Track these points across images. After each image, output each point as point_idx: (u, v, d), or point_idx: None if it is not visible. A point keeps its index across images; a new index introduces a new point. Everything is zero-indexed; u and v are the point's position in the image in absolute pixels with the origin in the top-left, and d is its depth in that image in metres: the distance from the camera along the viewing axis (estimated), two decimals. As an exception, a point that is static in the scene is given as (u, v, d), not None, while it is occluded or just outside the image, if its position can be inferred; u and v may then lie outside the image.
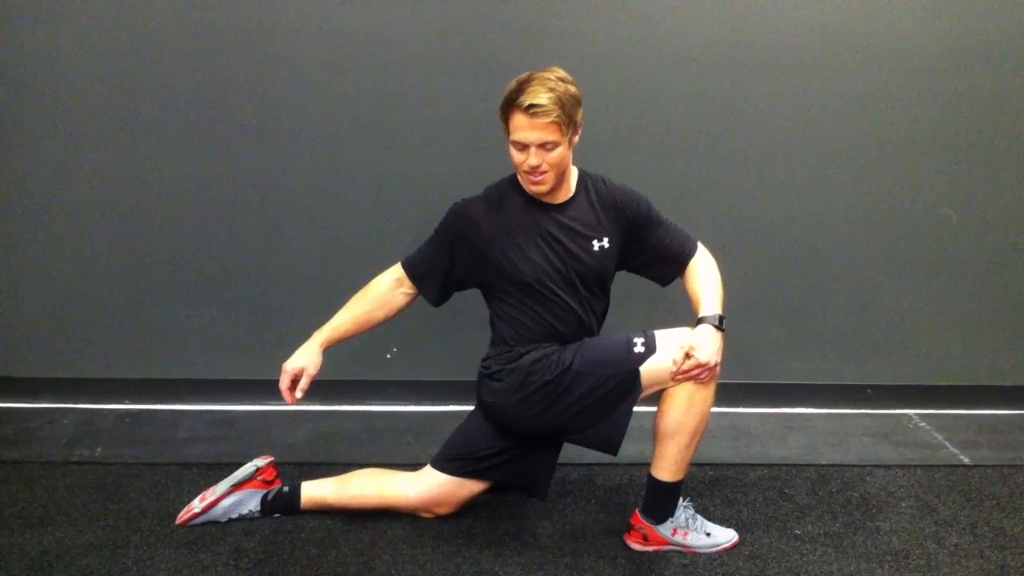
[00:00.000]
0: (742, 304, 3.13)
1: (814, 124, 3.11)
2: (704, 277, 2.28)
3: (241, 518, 2.34)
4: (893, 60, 3.07)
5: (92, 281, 3.10)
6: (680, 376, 2.11)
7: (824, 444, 2.98)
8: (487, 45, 2.97)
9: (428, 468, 2.36)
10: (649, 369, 2.13)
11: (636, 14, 2.99)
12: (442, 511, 2.37)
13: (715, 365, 2.11)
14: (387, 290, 2.29)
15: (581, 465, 2.69)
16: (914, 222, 3.19)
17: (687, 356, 2.09)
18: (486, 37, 2.97)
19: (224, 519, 2.32)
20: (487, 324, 2.33)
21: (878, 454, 2.90)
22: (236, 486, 2.35)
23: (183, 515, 2.31)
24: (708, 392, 2.14)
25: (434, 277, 2.27)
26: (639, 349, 2.14)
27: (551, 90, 2.03)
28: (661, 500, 2.24)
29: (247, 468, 2.39)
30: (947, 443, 3.01)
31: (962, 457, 2.89)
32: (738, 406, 3.25)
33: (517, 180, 2.24)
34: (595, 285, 2.26)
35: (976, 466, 2.81)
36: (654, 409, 2.20)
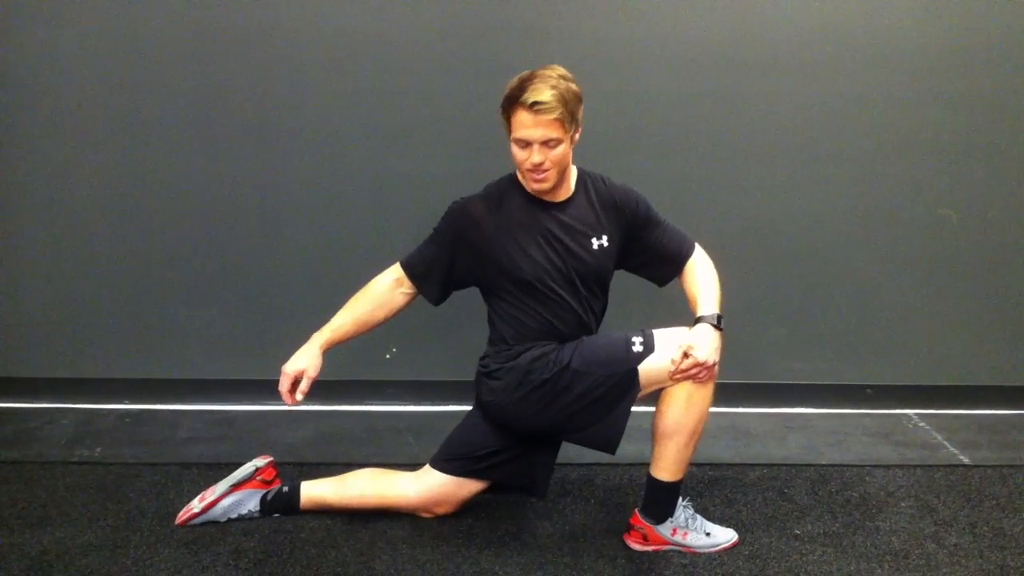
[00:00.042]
0: (742, 304, 3.14)
1: (814, 124, 3.11)
2: (702, 277, 2.28)
3: (240, 518, 2.34)
4: (893, 60, 3.07)
5: (92, 281, 3.10)
6: (679, 375, 2.11)
7: (824, 444, 2.98)
8: (487, 45, 2.97)
9: (428, 468, 2.36)
10: (648, 368, 2.13)
11: (636, 14, 2.99)
12: (442, 511, 2.37)
13: (714, 364, 2.11)
14: (387, 290, 2.28)
15: (581, 465, 2.69)
16: (914, 222, 3.19)
17: (685, 355, 2.09)
18: (486, 37, 2.97)
19: (223, 519, 2.32)
20: (486, 323, 2.33)
21: (878, 454, 2.90)
22: (235, 486, 2.35)
23: (183, 515, 2.31)
24: (707, 391, 2.14)
25: (434, 276, 2.26)
26: (638, 348, 2.14)
27: (554, 87, 2.03)
28: (660, 500, 2.24)
29: (246, 468, 2.39)
30: (947, 443, 3.01)
31: (962, 457, 2.89)
32: (738, 406, 3.25)
33: (517, 178, 2.24)
34: (594, 284, 2.26)
35: (976, 466, 2.81)
36: (653, 409, 2.20)
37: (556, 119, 2.04)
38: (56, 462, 2.67)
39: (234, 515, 2.33)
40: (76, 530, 2.27)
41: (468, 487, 2.34)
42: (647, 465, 2.25)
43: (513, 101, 2.06)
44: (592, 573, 2.16)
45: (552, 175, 2.13)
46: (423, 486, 2.35)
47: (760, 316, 3.23)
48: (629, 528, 2.29)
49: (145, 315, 3.13)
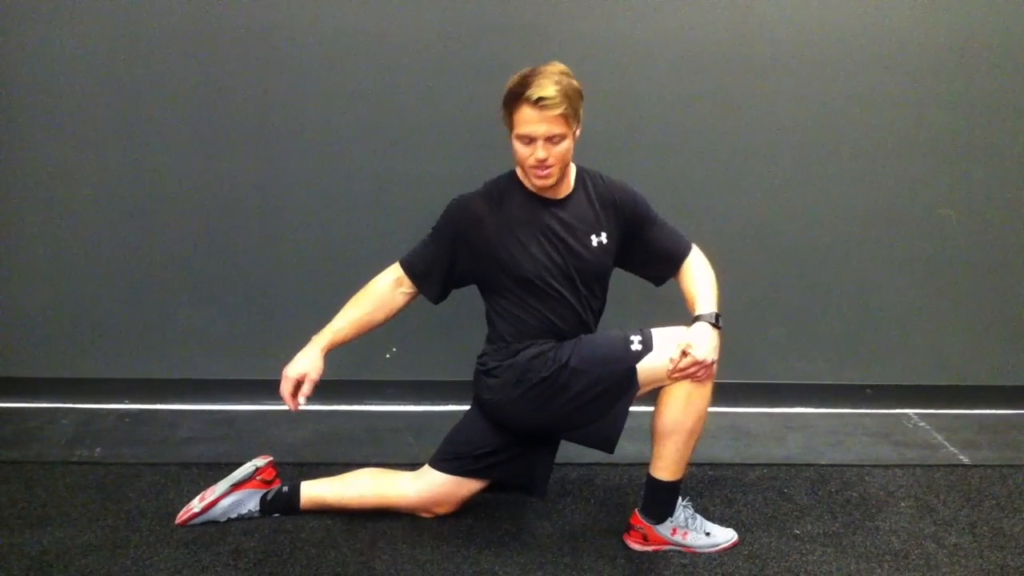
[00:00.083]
0: (742, 304, 3.14)
1: (814, 124, 3.11)
2: (699, 276, 2.29)
3: (240, 518, 2.34)
4: (893, 60, 3.07)
5: (92, 281, 3.10)
6: (677, 374, 2.11)
7: (824, 444, 2.98)
8: (487, 45, 2.97)
9: (427, 468, 2.36)
10: (646, 367, 2.13)
11: (636, 14, 2.99)
12: (441, 511, 2.37)
13: (712, 363, 2.11)
14: (387, 291, 2.28)
15: (580, 465, 2.69)
16: (914, 222, 3.19)
17: (684, 354, 2.09)
18: (486, 37, 2.97)
19: (223, 519, 2.32)
20: (485, 323, 2.33)
21: (878, 454, 2.90)
22: (235, 486, 2.35)
23: (182, 515, 2.31)
24: (706, 390, 2.14)
25: (435, 275, 2.26)
26: (636, 347, 2.14)
27: (557, 83, 2.04)
28: (660, 500, 2.24)
29: (246, 468, 2.39)
30: (946, 443, 3.01)
31: (961, 457, 2.89)
32: (738, 406, 3.25)
33: (516, 176, 2.24)
34: (593, 281, 2.26)
35: (975, 466, 2.81)
36: (652, 409, 2.20)
37: (560, 115, 2.05)
38: (56, 462, 2.66)
39: (234, 515, 2.33)
40: (76, 530, 2.27)
41: (468, 486, 2.34)
42: (647, 465, 2.25)
43: (516, 97, 2.06)
44: (592, 573, 2.16)
45: (555, 171, 2.13)
46: (423, 486, 2.35)
47: (760, 316, 3.23)
48: (629, 528, 2.29)
49: (145, 315, 3.13)
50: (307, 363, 2.21)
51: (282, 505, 2.36)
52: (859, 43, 3.05)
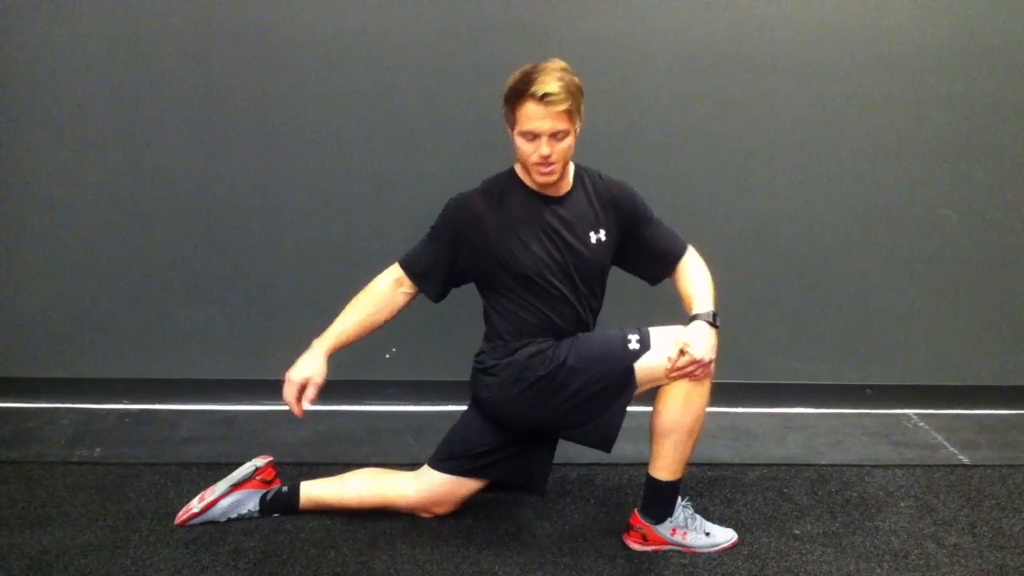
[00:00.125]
0: (742, 304, 3.15)
1: (814, 124, 3.11)
2: (695, 276, 2.29)
3: (240, 518, 2.34)
4: (893, 60, 3.07)
5: (92, 281, 3.11)
6: (675, 373, 2.11)
7: (823, 444, 2.98)
8: (487, 45, 2.97)
9: (426, 468, 2.36)
10: (644, 366, 2.13)
11: (636, 14, 2.99)
12: (441, 510, 2.36)
13: (710, 361, 2.11)
14: (387, 292, 2.27)
15: (580, 465, 2.69)
16: (914, 222, 3.19)
17: (682, 353, 2.09)
18: (486, 37, 2.97)
19: (223, 519, 2.32)
20: (483, 321, 2.33)
21: (877, 454, 2.90)
22: (235, 486, 2.35)
23: (182, 515, 2.31)
24: (704, 389, 2.14)
25: (435, 274, 2.25)
26: (634, 346, 2.14)
27: (560, 79, 2.05)
28: (660, 499, 2.24)
29: (246, 468, 2.39)
30: (946, 443, 3.01)
31: (961, 457, 2.89)
32: (737, 406, 3.25)
33: (516, 174, 2.24)
34: (592, 279, 2.27)
35: (975, 466, 2.81)
36: (651, 409, 2.20)
37: (565, 111, 2.06)
38: (56, 462, 2.67)
39: (234, 515, 2.33)
40: (75, 530, 2.27)
41: (467, 486, 2.34)
42: (646, 465, 2.24)
43: (520, 93, 2.06)
44: (591, 573, 2.16)
45: (558, 168, 2.14)
46: (422, 486, 2.35)
47: (760, 316, 3.23)
48: (628, 528, 2.29)
49: (145, 315, 3.13)
50: (310, 367, 2.19)
51: (282, 505, 2.36)
52: (859, 43, 3.05)
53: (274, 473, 2.43)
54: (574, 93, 2.07)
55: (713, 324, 2.16)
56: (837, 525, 2.41)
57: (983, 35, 3.07)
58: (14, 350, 3.14)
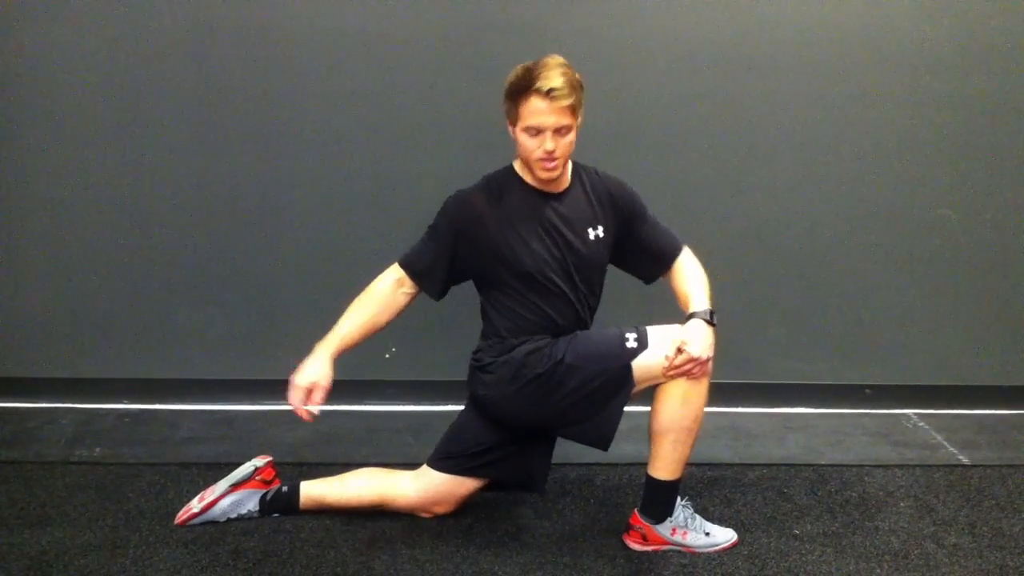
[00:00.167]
0: (742, 304, 3.15)
1: (814, 124, 3.11)
2: (691, 275, 2.30)
3: (240, 518, 2.34)
4: (893, 60, 3.07)
5: (92, 281, 3.11)
6: (673, 371, 2.11)
7: (823, 444, 2.98)
8: (487, 45, 2.97)
9: (425, 467, 2.36)
10: (641, 364, 2.13)
11: (636, 14, 2.99)
12: (440, 510, 2.37)
13: (708, 359, 2.11)
14: (388, 292, 2.25)
15: (580, 465, 2.69)
16: (914, 222, 3.19)
17: (679, 351, 2.09)
18: (486, 37, 2.97)
19: (223, 519, 2.32)
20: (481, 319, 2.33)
21: (877, 454, 2.90)
22: (235, 486, 2.35)
23: (182, 515, 2.31)
24: (702, 388, 2.15)
25: (436, 273, 2.24)
26: (631, 344, 2.14)
27: (564, 75, 2.06)
28: (659, 499, 2.24)
29: (246, 468, 2.39)
30: (946, 443, 3.01)
31: (961, 457, 2.89)
32: (737, 406, 3.25)
33: (514, 170, 2.25)
34: (591, 276, 2.27)
35: (975, 466, 2.81)
36: (650, 408, 2.20)
37: (569, 106, 2.07)
38: (55, 462, 2.67)
39: (233, 515, 2.33)
40: (75, 530, 2.27)
41: (466, 485, 2.34)
42: (646, 465, 2.24)
43: (525, 89, 2.06)
44: (591, 573, 2.16)
45: (561, 164, 2.15)
46: (421, 485, 2.35)
47: (760, 316, 3.23)
48: (628, 528, 2.29)
49: (145, 315, 3.13)
50: (316, 371, 2.17)
51: (281, 505, 2.36)
52: (859, 43, 3.05)
53: (274, 473, 2.43)
54: (576, 89, 2.08)
55: (710, 322, 2.16)
56: (837, 525, 2.41)
57: (983, 35, 3.07)
58: (14, 350, 3.14)
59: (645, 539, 2.26)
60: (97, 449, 2.78)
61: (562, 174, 2.21)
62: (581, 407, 2.17)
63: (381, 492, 2.36)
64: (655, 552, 2.25)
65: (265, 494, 2.37)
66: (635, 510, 2.29)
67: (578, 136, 2.16)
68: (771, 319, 3.24)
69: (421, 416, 3.13)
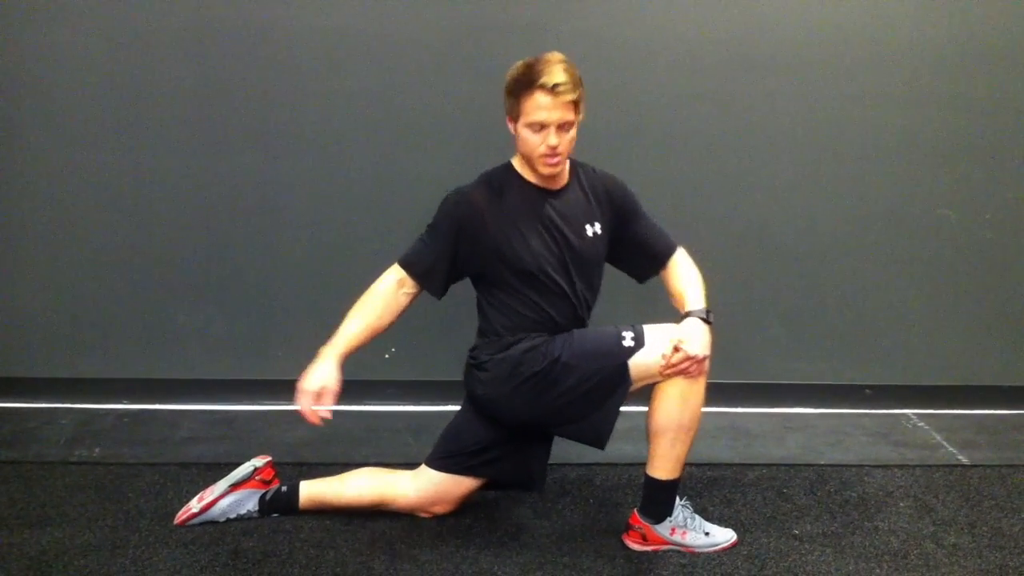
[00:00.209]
0: (742, 304, 3.15)
1: (814, 124, 3.11)
2: (686, 275, 2.30)
3: (239, 518, 2.33)
4: (893, 60, 3.07)
5: (92, 281, 3.11)
6: (670, 370, 2.11)
7: (823, 444, 2.98)
8: (487, 45, 2.97)
9: (423, 467, 2.36)
10: (638, 363, 2.13)
11: (636, 14, 3.00)
12: (440, 510, 2.36)
13: (704, 358, 2.11)
14: (391, 294, 2.24)
15: (580, 465, 2.69)
16: (913, 222, 3.19)
17: (676, 349, 2.09)
18: (486, 37, 2.97)
19: (222, 519, 2.32)
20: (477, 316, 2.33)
21: (877, 454, 2.90)
22: (234, 486, 2.35)
23: (181, 515, 2.31)
24: (699, 387, 2.14)
25: (438, 272, 2.23)
26: (628, 343, 2.14)
27: (566, 71, 2.07)
28: (658, 499, 2.24)
29: (245, 468, 2.39)
30: (946, 443, 3.01)
31: (961, 457, 2.89)
32: (737, 406, 3.25)
33: (513, 168, 2.25)
34: (590, 273, 2.28)
35: (975, 466, 2.81)
36: (647, 409, 2.20)
37: (572, 101, 2.08)
38: (55, 462, 2.67)
39: (233, 515, 2.33)
40: (75, 530, 2.27)
41: (464, 484, 2.34)
42: (645, 465, 2.24)
43: (529, 84, 2.07)
44: (591, 573, 2.15)
45: (563, 159, 2.16)
46: (420, 485, 2.35)
47: (760, 316, 3.23)
48: (628, 528, 2.29)
49: (145, 315, 3.14)
50: (324, 375, 2.14)
51: (281, 505, 2.36)
52: (859, 43, 3.05)
53: (273, 473, 2.43)
54: (579, 84, 2.10)
55: (707, 321, 2.16)
56: (836, 525, 2.41)
57: (983, 35, 3.07)
58: (14, 350, 3.14)
59: (645, 539, 2.26)
60: (97, 449, 2.78)
61: (562, 171, 2.21)
62: (578, 405, 2.17)
63: (381, 492, 2.36)
64: (655, 552, 2.25)
65: (264, 494, 2.37)
66: (634, 510, 2.28)
67: (579, 136, 2.17)
68: (771, 319, 3.25)
69: (421, 416, 3.13)
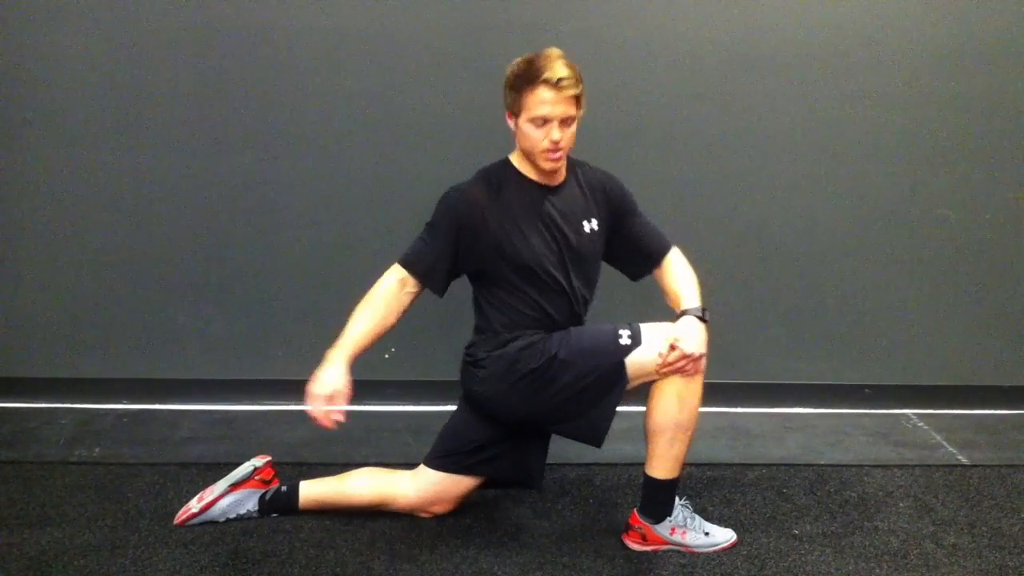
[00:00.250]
0: (742, 304, 3.15)
1: (814, 124, 3.11)
2: (681, 273, 2.31)
3: (239, 518, 2.33)
4: (893, 60, 3.07)
5: (92, 281, 3.11)
6: (666, 368, 2.11)
7: (822, 444, 2.98)
8: (487, 45, 2.97)
9: (422, 467, 2.36)
10: (635, 361, 2.13)
11: (636, 14, 3.00)
12: (439, 509, 2.36)
13: (701, 356, 2.11)
14: (394, 294, 2.22)
15: (579, 465, 2.69)
16: (913, 222, 3.19)
17: (672, 348, 2.09)
18: (486, 37, 2.97)
19: (222, 519, 2.32)
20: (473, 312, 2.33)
21: (876, 454, 2.90)
22: (234, 486, 2.35)
23: (181, 515, 2.31)
24: (696, 386, 2.14)
25: (440, 270, 2.22)
26: (625, 341, 2.14)
27: (568, 66, 2.09)
28: (657, 498, 2.24)
29: (245, 468, 2.39)
30: (945, 443, 3.01)
31: (960, 457, 2.89)
32: (737, 406, 3.24)
33: (511, 164, 2.25)
34: (588, 269, 2.29)
35: (974, 466, 2.81)
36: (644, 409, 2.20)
37: (575, 95, 2.10)
38: (55, 462, 2.67)
39: (232, 515, 2.33)
40: (74, 530, 2.27)
41: (463, 483, 2.33)
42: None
43: (533, 79, 2.07)
44: (591, 573, 2.15)
45: (565, 155, 2.16)
46: (419, 485, 2.35)
47: (760, 316, 3.23)
48: (628, 528, 2.29)
49: (145, 315, 3.14)
50: (335, 379, 2.13)
51: (281, 505, 2.36)
52: (859, 43, 3.05)
53: (273, 473, 2.43)
54: (580, 79, 2.11)
55: (703, 319, 2.16)
56: (836, 525, 2.41)
57: (983, 35, 3.07)
58: (14, 350, 3.14)
59: (644, 539, 2.26)
60: (96, 449, 2.78)
61: (560, 167, 2.22)
62: (575, 403, 2.17)
63: (380, 492, 2.36)
64: (654, 552, 2.25)
65: (264, 494, 2.37)
66: (634, 510, 2.28)
67: (579, 135, 2.17)
68: (771, 319, 3.25)
69: (420, 416, 3.13)
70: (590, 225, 2.26)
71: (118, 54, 2.96)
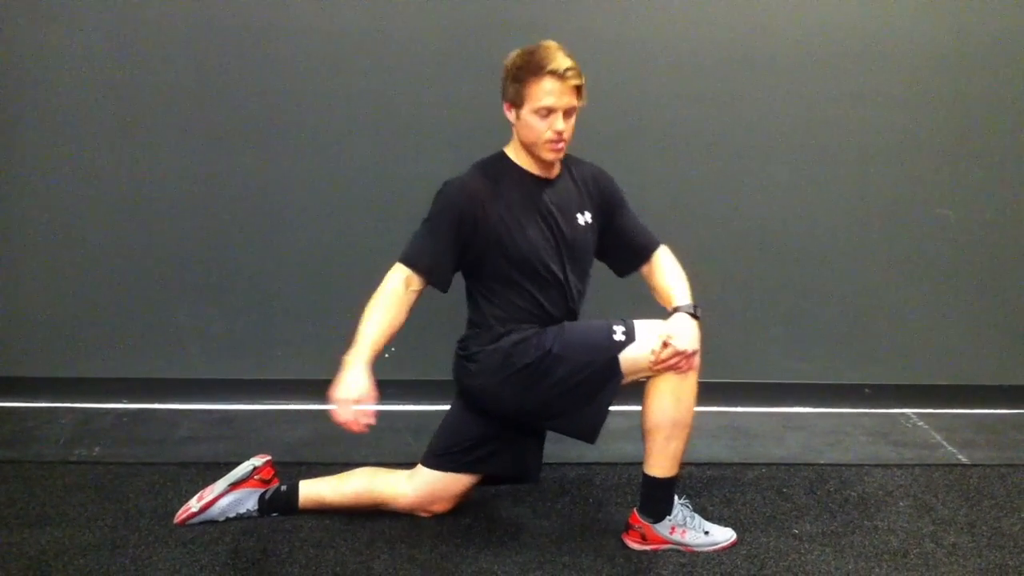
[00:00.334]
0: (742, 304, 3.15)
1: (814, 124, 3.11)
2: (671, 270, 2.31)
3: (239, 517, 2.33)
4: (893, 60, 3.07)
5: (92, 281, 3.11)
6: (660, 365, 2.11)
7: (822, 443, 2.98)
8: (487, 45, 2.96)
9: (419, 467, 2.36)
10: (628, 357, 2.13)
11: (637, 14, 3.00)
12: (438, 508, 2.36)
13: (694, 352, 2.11)
14: (401, 293, 2.19)
15: (579, 464, 2.69)
16: (913, 222, 3.19)
17: (665, 345, 2.09)
18: (486, 37, 2.97)
19: (222, 518, 2.32)
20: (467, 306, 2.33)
21: (876, 453, 2.90)
22: (233, 485, 2.35)
23: (181, 514, 2.31)
24: (690, 382, 2.14)
25: (444, 265, 2.21)
26: (619, 337, 2.14)
27: (569, 56, 2.10)
28: (656, 497, 2.24)
29: (244, 467, 2.39)
30: (945, 442, 3.01)
31: (960, 456, 2.89)
32: (736, 405, 3.24)
33: (507, 156, 2.25)
34: (583, 262, 2.29)
35: (974, 465, 2.81)
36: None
37: (578, 86, 2.11)
38: (55, 462, 2.67)
39: (232, 514, 2.33)
40: (74, 530, 2.27)
41: (461, 482, 2.33)
42: (643, 464, 2.25)
43: (537, 70, 2.08)
44: (591, 572, 2.15)
45: (566, 145, 2.17)
46: (417, 484, 2.34)
47: (759, 316, 3.23)
48: (627, 527, 2.29)
49: (145, 315, 3.14)
50: (360, 384, 2.10)
51: (280, 504, 2.36)
52: (859, 43, 3.06)
53: (272, 472, 2.43)
54: (581, 71, 2.12)
55: (695, 316, 2.16)
56: (836, 524, 2.41)
57: (983, 35, 3.07)
58: (14, 350, 3.14)
59: (644, 538, 2.26)
60: (96, 449, 2.78)
61: (556, 160, 2.23)
62: (568, 398, 2.17)
63: (380, 492, 2.36)
64: (654, 551, 2.25)
65: (264, 493, 2.37)
66: (634, 509, 2.28)
67: (578, 135, 2.18)
68: (771, 319, 3.25)
69: (420, 416, 3.13)
70: (584, 218, 2.26)
71: (118, 54, 2.96)
